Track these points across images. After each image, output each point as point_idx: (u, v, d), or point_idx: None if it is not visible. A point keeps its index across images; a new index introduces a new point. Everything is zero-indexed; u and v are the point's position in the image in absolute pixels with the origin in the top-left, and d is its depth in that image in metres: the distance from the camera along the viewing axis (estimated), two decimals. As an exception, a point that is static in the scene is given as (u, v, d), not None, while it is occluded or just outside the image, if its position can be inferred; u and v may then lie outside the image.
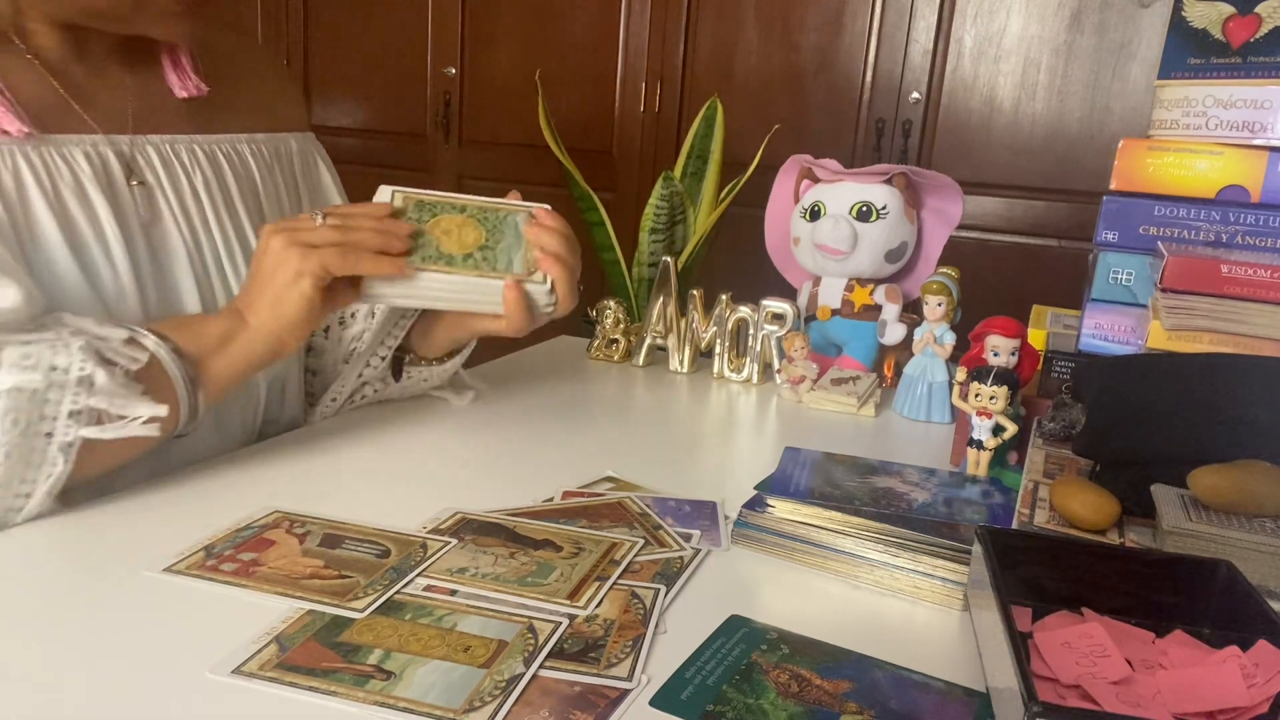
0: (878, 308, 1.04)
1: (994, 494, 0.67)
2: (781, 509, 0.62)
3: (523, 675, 0.45)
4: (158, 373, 0.63)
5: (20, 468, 0.57)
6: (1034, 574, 0.53)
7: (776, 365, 1.03)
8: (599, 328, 1.13)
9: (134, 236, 0.70)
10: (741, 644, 0.49)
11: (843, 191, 1.04)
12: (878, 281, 1.05)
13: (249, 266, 0.73)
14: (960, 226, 1.09)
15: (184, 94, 0.76)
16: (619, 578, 0.56)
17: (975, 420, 0.72)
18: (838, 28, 2.28)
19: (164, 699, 0.42)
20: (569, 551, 0.58)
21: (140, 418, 0.60)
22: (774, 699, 0.45)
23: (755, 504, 0.63)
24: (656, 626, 0.51)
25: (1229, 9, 0.81)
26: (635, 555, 0.59)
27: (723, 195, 1.32)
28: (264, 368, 0.69)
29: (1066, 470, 0.69)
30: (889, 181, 1.03)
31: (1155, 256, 0.82)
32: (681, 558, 0.59)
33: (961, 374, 0.76)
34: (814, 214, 1.05)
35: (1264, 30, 0.80)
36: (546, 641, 0.48)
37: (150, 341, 0.63)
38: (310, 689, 0.43)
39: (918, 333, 0.96)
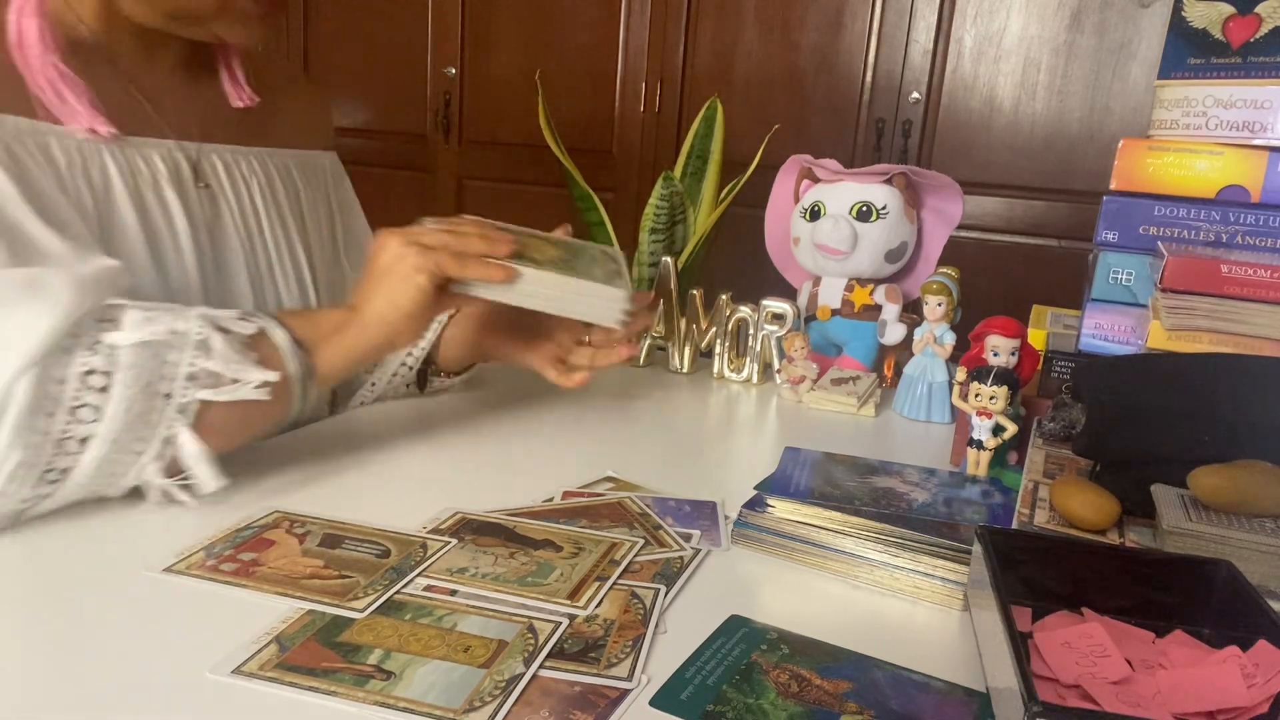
0: (878, 308, 1.04)
1: (994, 494, 0.67)
2: (781, 509, 0.62)
3: (523, 675, 0.45)
4: (271, 354, 0.65)
5: (139, 425, 0.58)
6: (1034, 574, 0.53)
7: (776, 365, 1.03)
8: (599, 328, 1.13)
9: (200, 235, 0.74)
10: (741, 644, 0.49)
11: (843, 191, 1.04)
12: (878, 281, 1.05)
13: (308, 274, 0.82)
14: (960, 226, 1.09)
15: (239, 104, 0.81)
16: (619, 578, 0.56)
17: (975, 420, 0.72)
18: (838, 28, 2.28)
19: (164, 699, 0.42)
20: (569, 551, 0.58)
21: (253, 382, 0.62)
22: (774, 699, 0.45)
23: (755, 504, 0.63)
24: (656, 626, 0.51)
25: (1229, 9, 0.81)
26: (635, 555, 0.59)
27: (723, 195, 1.32)
28: (374, 359, 0.71)
29: (1066, 470, 0.69)
30: (889, 181, 1.03)
31: (1155, 256, 0.82)
32: (681, 558, 0.59)
33: (961, 374, 0.76)
34: (814, 214, 1.05)
35: (1264, 30, 0.80)
36: (546, 641, 0.48)
37: (266, 323, 0.65)
38: (310, 689, 0.43)
39: (918, 333, 0.96)
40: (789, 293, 1.09)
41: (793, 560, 0.60)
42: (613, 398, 0.98)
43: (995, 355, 0.76)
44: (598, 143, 2.54)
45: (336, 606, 0.50)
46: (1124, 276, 0.85)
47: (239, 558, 0.56)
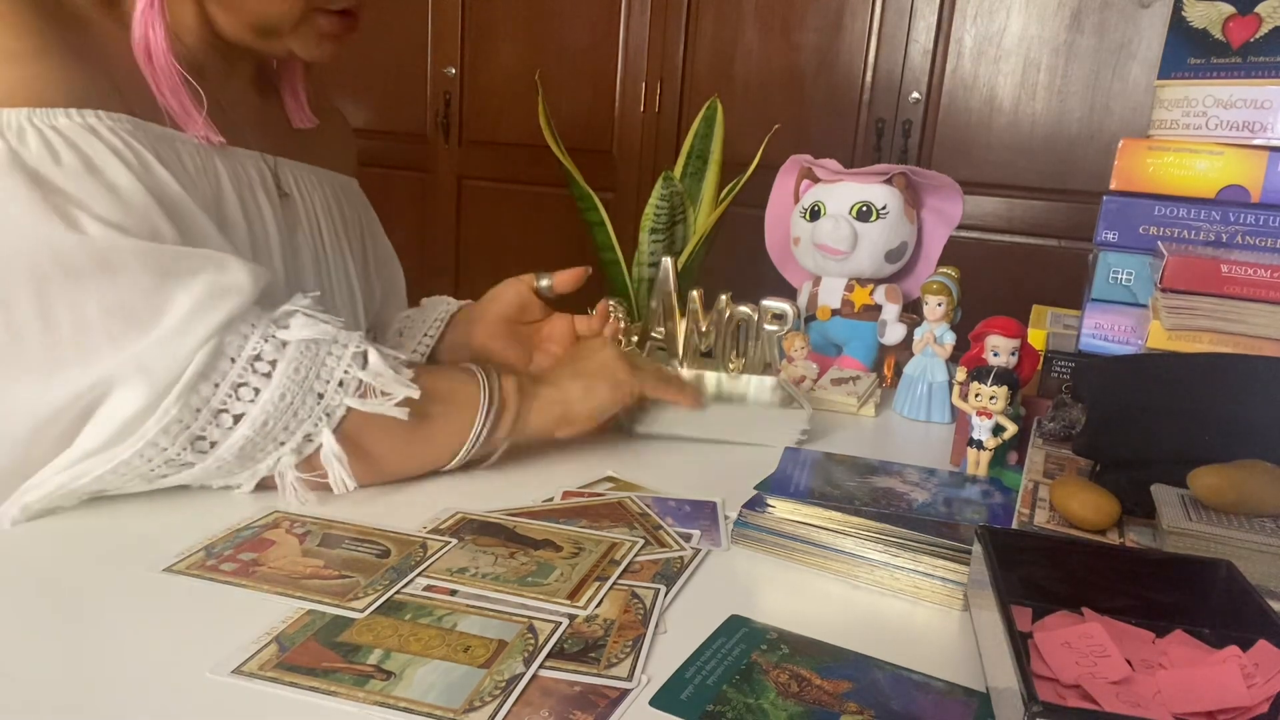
0: (878, 308, 1.04)
1: (994, 494, 0.67)
2: (781, 509, 0.62)
3: (523, 675, 0.45)
4: (460, 385, 0.69)
5: (288, 415, 0.61)
6: (1034, 574, 0.53)
7: (776, 365, 1.03)
8: (599, 328, 1.13)
9: (285, 242, 0.78)
10: (741, 644, 0.49)
11: (843, 191, 1.04)
12: (878, 281, 1.05)
13: (358, 288, 0.88)
14: (960, 226, 1.09)
15: (302, 125, 0.85)
16: (619, 578, 0.56)
17: (975, 420, 0.72)
18: (838, 28, 2.28)
19: (164, 699, 0.42)
20: (569, 551, 0.58)
21: (396, 398, 0.64)
22: (774, 699, 0.45)
23: (755, 504, 0.63)
24: (656, 626, 0.51)
25: (1229, 9, 0.81)
26: (635, 555, 0.59)
27: (723, 195, 1.32)
28: (526, 435, 0.73)
29: (1066, 470, 0.69)
30: (889, 181, 1.03)
31: (1155, 256, 0.82)
32: (681, 558, 0.59)
33: (961, 374, 0.76)
34: (814, 214, 1.05)
35: (1264, 30, 0.80)
36: (546, 641, 0.48)
37: (476, 371, 0.70)
38: (310, 689, 0.43)
39: (918, 333, 0.96)
40: (789, 293, 1.08)
41: (793, 560, 0.60)
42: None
43: (995, 355, 0.76)
44: (598, 143, 2.54)
45: (336, 606, 0.50)
46: (1124, 276, 0.85)
47: (239, 558, 0.56)
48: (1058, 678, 0.45)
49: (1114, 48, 2.08)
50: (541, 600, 0.52)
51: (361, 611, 0.50)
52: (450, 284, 2.75)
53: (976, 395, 0.72)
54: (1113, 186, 0.85)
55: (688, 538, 0.62)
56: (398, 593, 0.52)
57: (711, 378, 0.92)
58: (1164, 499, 0.59)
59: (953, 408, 0.90)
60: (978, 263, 1.95)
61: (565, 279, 0.90)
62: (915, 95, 2.23)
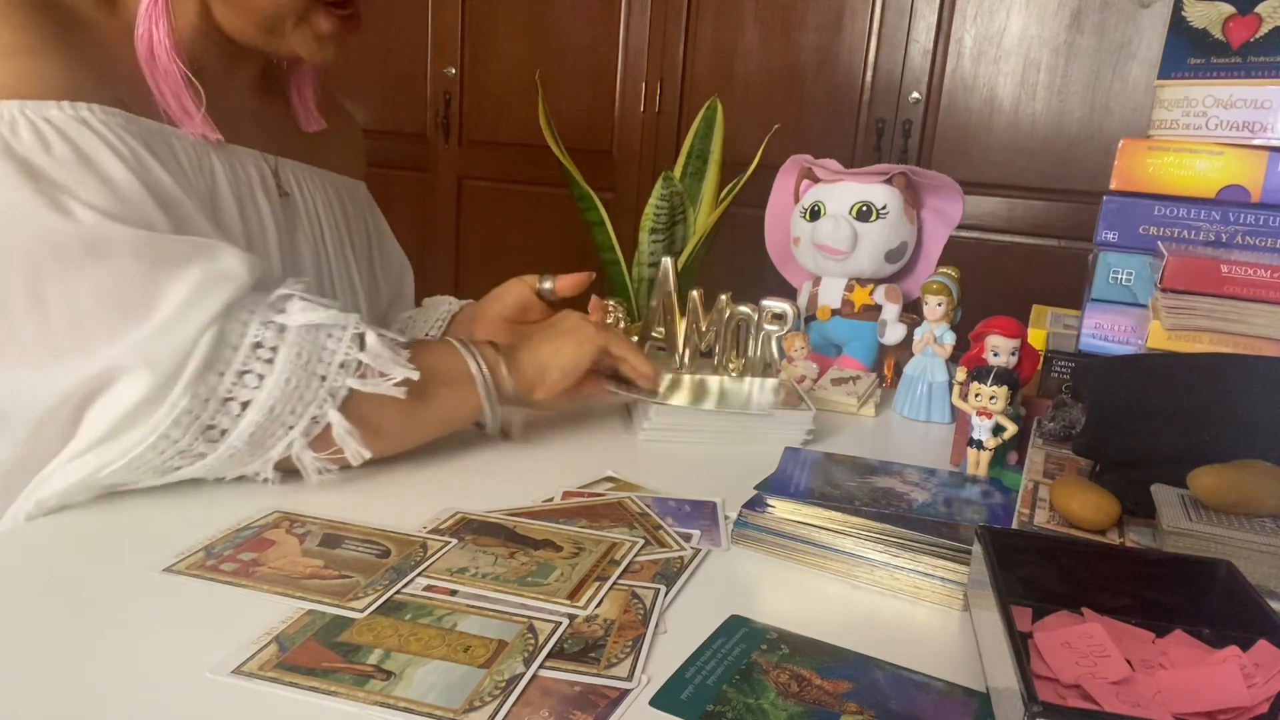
0: (878, 308, 1.04)
1: (994, 494, 0.67)
2: (781, 509, 0.62)
3: (523, 675, 0.45)
4: (445, 357, 0.72)
5: (294, 399, 0.62)
6: (1034, 574, 0.53)
7: (777, 365, 1.03)
8: (599, 328, 1.13)
9: (283, 241, 0.78)
10: (741, 644, 0.49)
11: (843, 191, 1.04)
12: (878, 281, 1.05)
13: (360, 289, 0.88)
14: (960, 226, 1.09)
15: (310, 128, 0.85)
16: (619, 578, 0.56)
17: (975, 420, 0.72)
18: (838, 28, 2.28)
19: (164, 699, 0.42)
20: (569, 551, 0.58)
21: (394, 379, 0.66)
22: (774, 699, 0.45)
23: (755, 504, 0.63)
24: (656, 626, 0.51)
25: (1229, 9, 0.81)
26: (635, 555, 0.59)
27: (723, 195, 1.32)
28: (501, 402, 0.75)
29: (1066, 470, 0.69)
30: (889, 181, 1.03)
31: (1155, 256, 0.82)
32: (681, 558, 0.59)
33: (961, 374, 0.76)
34: (814, 214, 1.05)
35: (1264, 30, 0.80)
36: (546, 641, 0.48)
37: (456, 345, 0.72)
38: (310, 689, 0.43)
39: (918, 333, 0.96)
40: (789, 293, 1.08)
41: (793, 560, 0.60)
42: (613, 397, 0.97)
43: (995, 355, 0.76)
44: (598, 143, 2.54)
45: (336, 606, 0.50)
46: (1124, 276, 0.85)
47: (239, 558, 0.56)
48: (1058, 678, 0.45)
49: (1114, 48, 2.08)
50: (541, 600, 0.52)
51: (361, 611, 0.50)
52: (450, 284, 2.76)
53: (976, 395, 0.72)
54: (1113, 186, 0.85)
55: (688, 538, 0.62)
56: (398, 593, 0.52)
57: (714, 380, 0.92)
58: (1164, 499, 0.59)
59: (953, 408, 0.90)
60: (978, 263, 1.95)
61: (567, 283, 0.90)
62: (915, 95, 2.23)
